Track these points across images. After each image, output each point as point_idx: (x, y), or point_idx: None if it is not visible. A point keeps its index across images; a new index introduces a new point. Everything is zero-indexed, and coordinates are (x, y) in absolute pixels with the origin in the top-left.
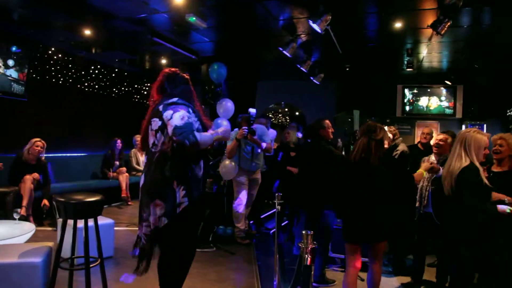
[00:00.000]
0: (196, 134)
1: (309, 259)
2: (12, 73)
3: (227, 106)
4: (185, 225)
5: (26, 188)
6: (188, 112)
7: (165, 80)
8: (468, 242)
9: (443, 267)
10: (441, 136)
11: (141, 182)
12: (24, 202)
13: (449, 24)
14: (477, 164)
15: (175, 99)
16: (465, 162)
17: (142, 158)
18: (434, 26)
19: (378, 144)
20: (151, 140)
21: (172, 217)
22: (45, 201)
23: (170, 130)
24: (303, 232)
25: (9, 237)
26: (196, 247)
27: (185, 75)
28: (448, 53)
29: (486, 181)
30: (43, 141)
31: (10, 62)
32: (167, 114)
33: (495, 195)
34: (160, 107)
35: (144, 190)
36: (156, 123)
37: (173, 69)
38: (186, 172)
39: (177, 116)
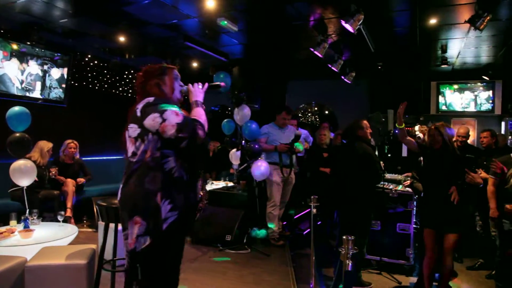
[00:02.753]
0: (196, 120)
1: (350, 264)
2: (53, 80)
3: (244, 112)
4: (170, 245)
5: (69, 190)
6: (173, 106)
7: (144, 79)
8: None
9: None
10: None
11: (118, 195)
12: (69, 204)
13: (488, 18)
14: None
15: (151, 99)
16: None
17: None
18: (472, 21)
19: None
20: (130, 149)
21: (157, 235)
22: (81, 179)
23: (171, 131)
24: (344, 237)
25: (54, 239)
26: (178, 273)
27: (166, 65)
28: (486, 48)
29: None
30: (75, 142)
31: (53, 70)
32: (152, 119)
33: None
34: (138, 112)
35: (122, 205)
36: (134, 129)
37: (155, 66)
38: (172, 182)
39: (170, 114)
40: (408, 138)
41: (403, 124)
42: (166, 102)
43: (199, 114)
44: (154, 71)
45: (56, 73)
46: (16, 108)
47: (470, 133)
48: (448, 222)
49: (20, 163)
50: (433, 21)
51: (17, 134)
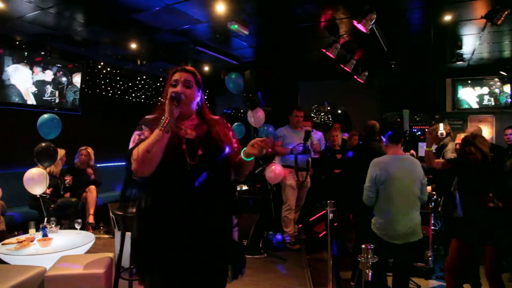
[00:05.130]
0: (135, 149)
1: (369, 274)
2: (68, 88)
3: (258, 115)
4: None
5: (92, 197)
6: (140, 129)
7: None
8: None
9: None
10: None
11: None
12: (91, 211)
13: (506, 13)
14: None
15: None
16: None
17: None
18: (489, 16)
19: None
20: None
21: None
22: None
23: None
24: (363, 246)
25: (72, 247)
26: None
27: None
28: (503, 43)
29: None
30: (88, 149)
31: (67, 79)
32: None
33: None
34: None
35: None
36: None
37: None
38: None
39: (130, 142)
40: (436, 160)
41: (432, 147)
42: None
43: (143, 142)
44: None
45: (70, 81)
46: (46, 116)
47: (488, 130)
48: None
49: (33, 172)
50: (447, 17)
51: (43, 144)
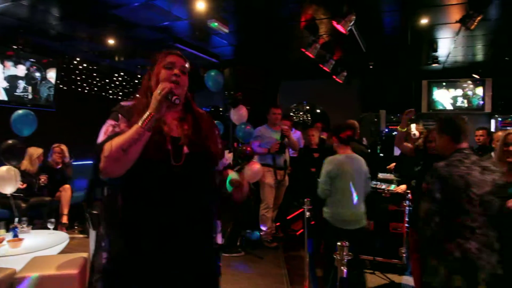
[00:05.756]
0: (108, 144)
1: (344, 271)
2: (42, 84)
3: (240, 113)
4: None
5: (66, 196)
6: (115, 119)
7: None
8: None
9: None
10: None
11: None
12: (65, 211)
13: (479, 18)
14: None
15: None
16: None
17: None
18: (463, 21)
19: None
20: None
21: None
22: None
23: None
24: (338, 243)
25: (45, 248)
26: None
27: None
28: (476, 47)
29: None
30: (62, 146)
31: (41, 74)
32: None
33: None
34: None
35: None
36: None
37: None
38: None
39: (101, 133)
40: (405, 143)
41: (406, 128)
42: (115, 109)
43: (120, 136)
44: None
45: (44, 77)
46: (20, 111)
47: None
48: None
49: (2, 170)
50: (424, 21)
51: (9, 141)
